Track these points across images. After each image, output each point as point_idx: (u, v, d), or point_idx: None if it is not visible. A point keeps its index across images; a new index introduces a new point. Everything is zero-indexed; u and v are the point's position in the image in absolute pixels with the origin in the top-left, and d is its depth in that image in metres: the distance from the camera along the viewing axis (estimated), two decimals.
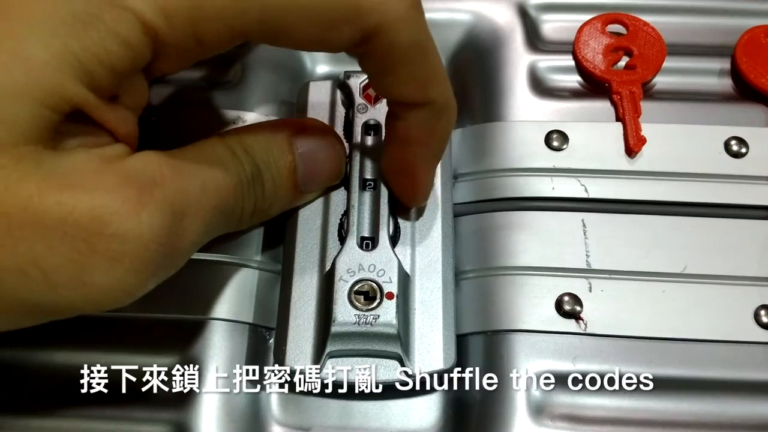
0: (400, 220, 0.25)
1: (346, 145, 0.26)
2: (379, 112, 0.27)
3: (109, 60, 0.18)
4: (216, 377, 0.24)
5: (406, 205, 0.25)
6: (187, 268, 0.24)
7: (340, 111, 0.27)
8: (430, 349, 0.23)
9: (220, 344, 0.24)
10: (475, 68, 0.31)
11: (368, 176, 0.26)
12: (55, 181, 0.17)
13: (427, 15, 0.31)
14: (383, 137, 0.26)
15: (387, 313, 0.23)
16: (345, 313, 0.23)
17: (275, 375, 0.24)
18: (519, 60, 0.30)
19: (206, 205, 0.20)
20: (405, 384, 0.23)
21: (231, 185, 0.21)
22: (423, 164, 0.24)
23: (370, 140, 0.26)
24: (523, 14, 0.31)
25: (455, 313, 0.24)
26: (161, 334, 0.24)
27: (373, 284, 0.23)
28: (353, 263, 0.24)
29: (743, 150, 0.27)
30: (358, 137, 0.26)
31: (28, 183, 0.17)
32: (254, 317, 0.25)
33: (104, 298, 0.18)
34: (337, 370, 0.23)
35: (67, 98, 0.17)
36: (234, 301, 0.25)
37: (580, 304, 0.24)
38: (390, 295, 0.23)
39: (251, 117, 0.28)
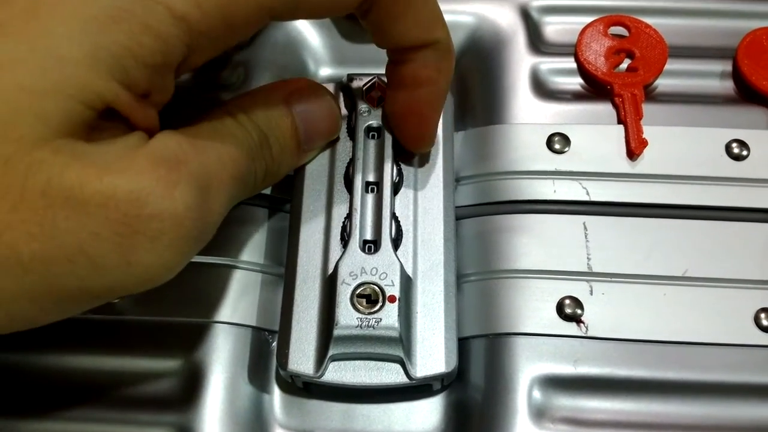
0: (402, 223, 0.25)
1: (348, 146, 0.26)
2: (381, 115, 0.27)
3: (142, 54, 0.18)
4: (219, 380, 0.24)
5: (413, 150, 0.26)
6: (191, 271, 0.25)
7: (343, 114, 0.28)
8: (432, 353, 0.23)
9: (223, 347, 0.25)
10: (477, 70, 0.31)
11: (371, 179, 0.26)
12: (93, 170, 0.17)
13: None
14: (385, 134, 0.26)
15: (389, 316, 0.23)
16: (347, 317, 0.23)
17: (278, 378, 0.24)
18: (521, 62, 0.30)
19: (225, 177, 0.21)
20: (407, 387, 0.23)
21: (243, 154, 0.22)
22: (431, 105, 0.25)
23: (372, 144, 0.27)
24: (526, 16, 0.31)
25: (457, 316, 0.24)
26: (165, 337, 0.25)
27: (376, 287, 0.23)
28: (356, 266, 0.24)
29: (744, 153, 0.27)
30: (360, 140, 0.26)
31: (69, 174, 0.17)
32: (257, 320, 0.25)
33: (149, 276, 0.19)
34: (339, 373, 0.23)
35: (101, 95, 0.18)
36: (237, 304, 0.25)
37: (581, 308, 0.25)
38: (392, 299, 0.23)
39: None
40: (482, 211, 0.27)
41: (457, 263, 0.26)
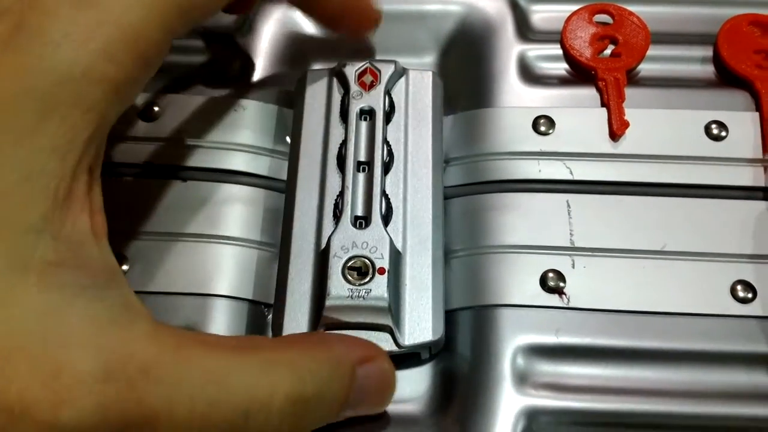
0: (392, 200, 0.26)
1: (341, 128, 0.28)
2: (373, 98, 0.28)
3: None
4: None
5: (365, 30, 0.28)
6: (192, 248, 0.26)
7: (336, 98, 0.29)
8: (420, 322, 0.24)
9: (221, 319, 0.26)
10: (466, 57, 0.32)
11: (362, 159, 0.27)
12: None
13: (420, 6, 0.33)
14: (376, 117, 0.27)
15: (378, 287, 0.24)
16: (339, 288, 0.24)
17: None
18: (509, 49, 0.31)
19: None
20: (396, 355, 0.24)
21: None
22: None
23: (364, 125, 0.28)
24: (514, 5, 0.32)
25: (444, 288, 0.26)
26: (166, 309, 0.26)
27: (366, 260, 0.24)
28: (347, 241, 0.25)
29: (723, 133, 0.28)
30: (353, 122, 0.27)
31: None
32: (254, 294, 0.26)
33: None
34: None
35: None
36: (235, 278, 0.26)
37: (564, 280, 0.26)
38: (381, 271, 0.24)
39: (251, 105, 0.29)
40: (470, 191, 0.28)
41: (445, 239, 0.27)
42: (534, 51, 0.31)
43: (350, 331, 0.24)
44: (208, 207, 0.27)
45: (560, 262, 0.26)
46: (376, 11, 0.28)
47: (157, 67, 0.21)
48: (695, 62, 0.31)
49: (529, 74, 0.31)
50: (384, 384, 0.22)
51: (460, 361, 0.25)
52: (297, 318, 0.24)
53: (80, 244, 0.18)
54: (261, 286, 0.26)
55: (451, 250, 0.27)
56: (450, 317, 0.26)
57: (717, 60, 0.30)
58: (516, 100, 0.30)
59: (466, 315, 0.26)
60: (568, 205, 0.27)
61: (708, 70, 0.31)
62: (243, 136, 0.29)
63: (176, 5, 0.20)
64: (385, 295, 0.24)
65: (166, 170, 0.28)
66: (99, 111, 0.19)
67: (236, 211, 0.28)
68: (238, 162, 0.28)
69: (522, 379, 0.24)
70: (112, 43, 0.18)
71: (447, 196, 0.28)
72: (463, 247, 0.27)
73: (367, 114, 0.28)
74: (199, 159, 0.28)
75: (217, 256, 0.27)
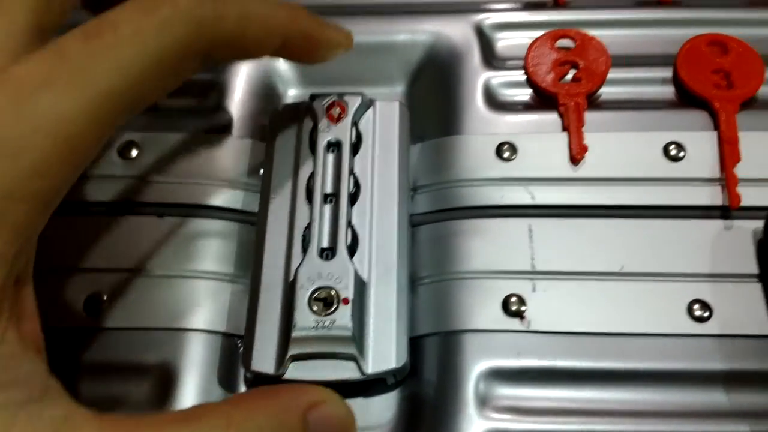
0: (359, 230, 0.27)
1: (310, 161, 0.28)
2: (341, 130, 0.29)
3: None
4: (192, 384, 0.26)
5: (336, 53, 0.26)
6: (167, 284, 0.27)
7: (306, 131, 0.30)
8: (384, 349, 0.25)
9: (195, 353, 0.27)
10: (435, 86, 0.33)
11: (329, 191, 0.28)
12: None
13: (390, 37, 0.34)
14: (343, 149, 0.28)
15: (342, 317, 0.25)
16: (305, 319, 0.25)
17: (246, 380, 0.26)
18: (475, 77, 0.32)
19: None
20: (362, 382, 0.25)
21: None
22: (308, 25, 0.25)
23: (331, 157, 0.29)
24: (480, 33, 0.33)
25: (409, 316, 0.26)
26: (141, 345, 0.27)
27: (331, 291, 0.25)
28: (313, 272, 0.26)
29: (681, 154, 0.29)
30: (320, 155, 0.28)
31: None
32: (227, 326, 0.27)
33: None
34: (299, 371, 0.25)
35: None
36: (208, 312, 0.27)
37: (525, 304, 0.26)
38: (346, 301, 0.25)
39: (227, 140, 0.30)
40: (437, 218, 0.29)
41: (411, 267, 0.28)
42: (499, 78, 0.32)
43: (316, 360, 0.25)
44: (183, 242, 0.28)
45: (521, 286, 0.27)
46: (343, 35, 0.26)
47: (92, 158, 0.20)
48: (656, 84, 0.31)
49: (494, 101, 0.32)
50: (340, 425, 0.21)
51: (426, 387, 0.26)
52: (266, 349, 0.25)
53: (11, 357, 0.18)
54: (234, 319, 0.27)
55: (419, 277, 0.28)
56: (417, 343, 0.27)
57: (677, 81, 0.31)
58: (482, 126, 0.31)
59: (432, 341, 0.27)
60: (530, 230, 0.28)
61: (668, 91, 0.31)
62: (218, 170, 0.30)
63: (112, 105, 0.19)
64: (349, 324, 0.25)
65: (143, 207, 0.29)
66: (28, 224, 0.18)
67: (211, 246, 0.29)
68: (213, 197, 0.29)
69: (484, 403, 0.25)
70: (44, 156, 0.18)
71: (415, 223, 0.29)
72: (430, 274, 0.28)
73: (335, 146, 0.29)
74: (175, 195, 0.29)
75: (192, 291, 0.28)
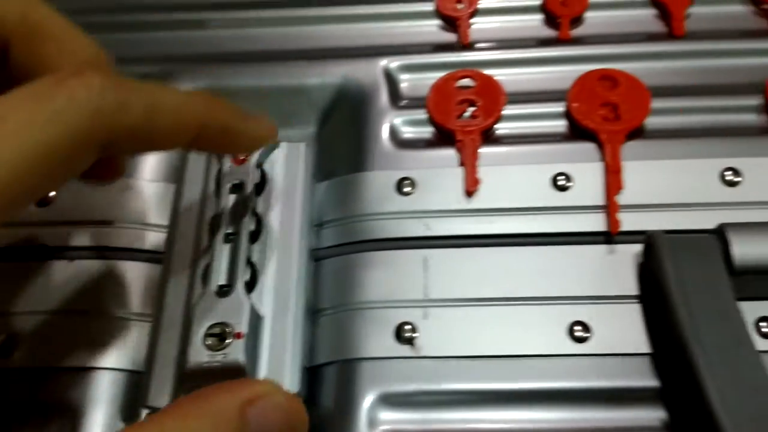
0: (259, 267, 0.28)
1: (214, 201, 0.30)
2: (243, 172, 0.30)
3: None
4: (96, 421, 0.27)
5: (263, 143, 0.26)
6: (75, 323, 0.28)
7: (213, 173, 0.31)
8: (276, 379, 0.26)
9: (103, 391, 0.28)
10: (344, 126, 0.34)
11: (230, 231, 0.29)
12: None
13: (301, 80, 0.36)
14: (246, 190, 0.30)
15: (235, 350, 0.26)
16: (198, 354, 0.26)
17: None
18: (381, 116, 0.34)
19: None
20: None
21: None
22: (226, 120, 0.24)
23: (233, 198, 0.30)
24: (387, 75, 0.35)
25: (306, 346, 0.27)
26: (50, 383, 0.28)
27: (226, 327, 0.26)
28: (209, 309, 0.27)
29: (569, 184, 0.30)
30: (224, 196, 0.30)
31: None
32: (133, 364, 0.28)
33: None
34: None
35: None
36: (116, 350, 0.28)
37: (417, 331, 0.28)
38: (239, 335, 0.26)
39: (138, 184, 0.32)
40: (340, 251, 0.31)
41: (312, 300, 0.29)
42: (403, 116, 0.34)
43: None
44: (92, 284, 0.30)
45: (414, 314, 0.28)
46: (265, 127, 0.26)
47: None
48: (549, 118, 0.33)
49: (398, 138, 0.33)
50: (284, 418, 0.20)
51: (324, 413, 0.27)
52: (162, 385, 0.26)
53: None
54: (141, 356, 0.28)
55: (321, 309, 0.29)
56: (317, 372, 0.28)
57: (569, 115, 0.33)
58: (386, 163, 0.32)
59: (331, 369, 0.28)
60: (425, 260, 0.29)
61: (561, 125, 0.33)
62: (129, 213, 0.31)
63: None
64: (240, 357, 0.26)
65: (56, 251, 0.31)
66: None
67: (118, 286, 0.30)
68: (122, 239, 0.31)
69: (374, 427, 0.26)
70: None
71: (320, 257, 0.31)
72: (331, 305, 0.29)
73: (238, 187, 0.30)
74: (86, 239, 0.31)
75: (100, 330, 0.29)
